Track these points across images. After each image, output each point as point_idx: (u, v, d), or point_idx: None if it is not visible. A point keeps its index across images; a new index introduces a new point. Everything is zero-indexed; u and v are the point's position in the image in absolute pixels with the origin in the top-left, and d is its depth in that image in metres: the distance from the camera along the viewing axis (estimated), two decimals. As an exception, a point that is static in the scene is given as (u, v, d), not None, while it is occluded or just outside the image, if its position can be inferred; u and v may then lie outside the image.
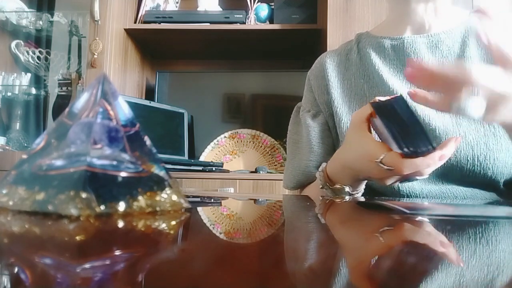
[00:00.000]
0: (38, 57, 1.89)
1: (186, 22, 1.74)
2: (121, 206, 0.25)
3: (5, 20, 1.88)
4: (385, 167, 0.47)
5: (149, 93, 2.00)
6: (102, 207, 0.24)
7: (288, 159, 0.79)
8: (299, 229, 0.28)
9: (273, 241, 0.23)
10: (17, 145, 1.83)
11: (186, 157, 1.78)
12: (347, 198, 0.48)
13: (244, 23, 1.75)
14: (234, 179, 1.53)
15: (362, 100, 0.70)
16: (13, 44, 1.90)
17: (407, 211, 0.33)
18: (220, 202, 0.48)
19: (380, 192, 0.66)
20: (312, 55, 1.30)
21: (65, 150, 0.27)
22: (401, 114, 0.45)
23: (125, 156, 0.28)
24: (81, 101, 0.29)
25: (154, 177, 0.29)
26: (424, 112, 0.63)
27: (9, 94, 1.91)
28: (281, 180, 0.85)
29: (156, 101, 1.84)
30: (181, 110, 1.82)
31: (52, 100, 1.91)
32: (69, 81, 1.84)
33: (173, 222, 0.27)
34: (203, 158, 1.78)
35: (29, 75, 1.91)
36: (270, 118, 1.90)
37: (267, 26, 1.75)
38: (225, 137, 1.81)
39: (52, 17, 1.88)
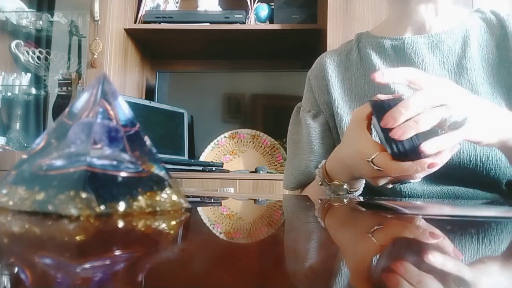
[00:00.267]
0: (38, 57, 1.89)
1: (186, 22, 1.75)
2: (121, 206, 0.25)
3: (5, 20, 1.88)
4: (376, 167, 0.47)
5: (149, 93, 2.00)
6: (102, 207, 0.24)
7: (288, 159, 0.79)
8: (299, 229, 0.28)
9: (273, 241, 0.23)
10: (17, 145, 1.83)
11: (186, 157, 1.78)
12: (345, 200, 0.48)
13: (244, 23, 1.75)
14: (234, 179, 1.54)
15: (362, 100, 0.70)
16: (13, 44, 1.90)
17: (407, 211, 0.33)
18: (220, 202, 0.48)
19: (381, 192, 0.66)
20: (312, 55, 1.30)
21: (65, 150, 0.27)
22: None
23: (125, 156, 0.28)
24: (81, 101, 0.29)
25: (154, 177, 0.29)
26: None
27: (9, 94, 1.91)
28: (281, 180, 0.84)
29: (156, 101, 1.84)
30: (181, 110, 1.82)
31: (52, 100, 1.91)
32: (69, 81, 1.84)
33: (173, 222, 0.27)
34: (203, 158, 1.78)
35: (29, 75, 1.91)
36: (270, 118, 1.90)
37: (267, 26, 1.75)
38: (225, 137, 1.81)
39: (52, 17, 1.88)
